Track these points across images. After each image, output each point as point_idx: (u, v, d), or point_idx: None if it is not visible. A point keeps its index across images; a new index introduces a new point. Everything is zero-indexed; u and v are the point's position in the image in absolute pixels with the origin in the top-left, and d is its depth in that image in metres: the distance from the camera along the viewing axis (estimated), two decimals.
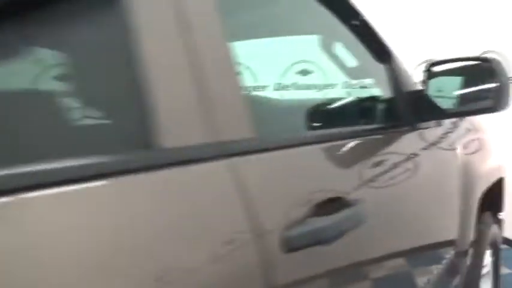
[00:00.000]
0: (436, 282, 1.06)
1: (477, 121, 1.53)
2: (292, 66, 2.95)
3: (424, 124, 1.09)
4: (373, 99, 1.10)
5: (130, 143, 0.42)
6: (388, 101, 1.08)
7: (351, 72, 1.12)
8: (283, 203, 0.55)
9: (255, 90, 2.53)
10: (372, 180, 0.81)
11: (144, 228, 0.36)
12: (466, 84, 1.05)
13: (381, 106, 1.09)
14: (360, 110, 1.09)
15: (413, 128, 1.06)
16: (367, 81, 1.14)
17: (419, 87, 1.07)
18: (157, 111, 0.40)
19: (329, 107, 1.07)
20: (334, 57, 1.07)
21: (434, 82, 1.06)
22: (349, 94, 1.22)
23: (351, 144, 0.84)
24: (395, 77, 1.06)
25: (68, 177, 0.32)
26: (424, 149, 1.10)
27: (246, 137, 0.51)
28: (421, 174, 1.01)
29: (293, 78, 3.00)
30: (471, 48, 2.45)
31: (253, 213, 0.47)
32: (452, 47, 2.35)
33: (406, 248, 0.93)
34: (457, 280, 1.22)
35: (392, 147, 1.00)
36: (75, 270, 0.30)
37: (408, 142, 1.06)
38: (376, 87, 1.13)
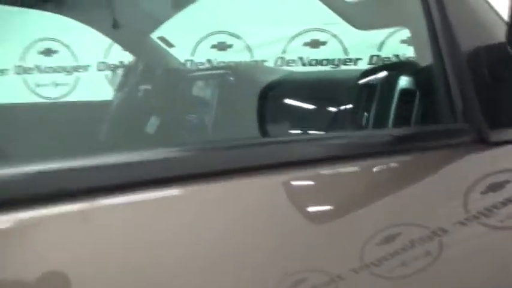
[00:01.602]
0: None
1: None
2: None
3: None
4: (393, 70, 0.51)
5: None
6: (424, 75, 0.48)
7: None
8: None
9: None
10: None
11: None
12: None
13: (407, 87, 0.49)
14: (359, 99, 0.52)
15: (487, 142, 0.46)
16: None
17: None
18: None
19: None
20: None
21: None
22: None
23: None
24: (443, 16, 0.45)
25: None
26: None
27: None
28: None
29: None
30: None
31: None
32: None
33: None
34: None
35: (435, 188, 0.44)
36: None
37: (475, 173, 0.46)
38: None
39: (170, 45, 1.66)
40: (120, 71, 1.55)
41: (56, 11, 1.30)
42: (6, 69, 2.46)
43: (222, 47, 2.47)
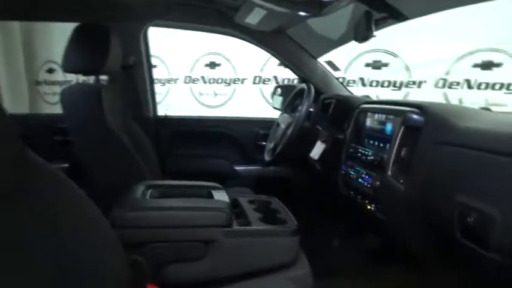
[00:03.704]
0: None
1: None
2: None
3: None
4: None
5: None
6: None
7: None
8: None
9: None
10: None
11: None
12: None
13: None
14: None
15: None
16: None
17: None
18: None
19: None
20: None
21: None
22: None
23: None
24: None
25: None
26: None
27: None
28: None
29: None
30: None
31: None
32: None
33: None
34: None
35: None
36: None
37: None
38: None
39: (336, 68, 1.66)
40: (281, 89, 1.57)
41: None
42: (177, 79, 2.81)
43: (376, 65, 2.39)
